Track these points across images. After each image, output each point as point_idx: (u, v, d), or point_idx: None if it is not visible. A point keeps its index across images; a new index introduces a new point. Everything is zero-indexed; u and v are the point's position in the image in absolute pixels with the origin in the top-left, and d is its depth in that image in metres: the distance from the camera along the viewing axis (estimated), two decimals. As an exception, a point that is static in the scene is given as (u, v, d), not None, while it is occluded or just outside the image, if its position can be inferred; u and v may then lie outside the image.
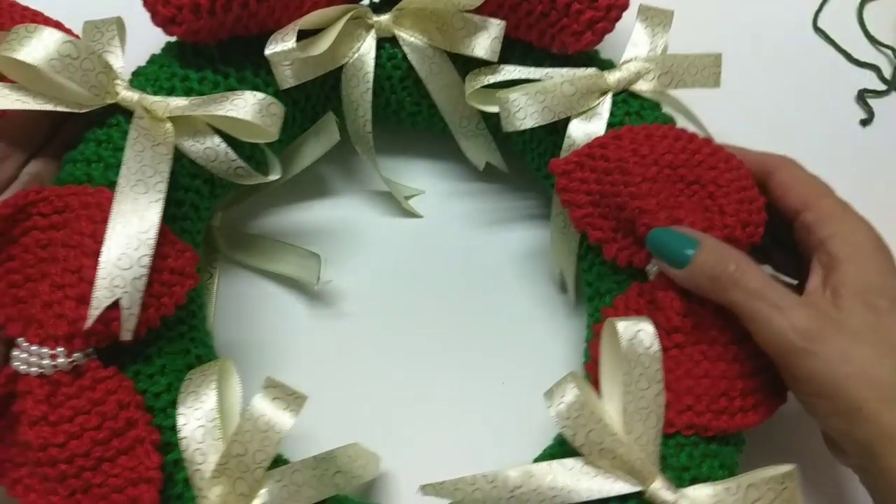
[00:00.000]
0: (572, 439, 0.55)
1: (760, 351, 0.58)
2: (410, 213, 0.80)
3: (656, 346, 0.55)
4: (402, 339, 0.75)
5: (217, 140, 0.64)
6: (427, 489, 0.58)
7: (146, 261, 0.56)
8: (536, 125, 0.66)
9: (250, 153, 0.69)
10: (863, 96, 0.89)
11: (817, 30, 0.94)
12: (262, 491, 0.55)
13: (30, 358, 0.54)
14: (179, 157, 0.63)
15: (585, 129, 0.67)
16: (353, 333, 0.75)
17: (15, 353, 0.54)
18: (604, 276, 0.68)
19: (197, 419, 0.57)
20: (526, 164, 0.79)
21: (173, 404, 0.58)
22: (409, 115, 0.78)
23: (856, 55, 0.92)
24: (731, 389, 0.58)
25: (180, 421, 0.57)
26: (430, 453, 0.68)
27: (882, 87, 0.91)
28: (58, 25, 0.75)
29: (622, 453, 0.54)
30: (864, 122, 0.88)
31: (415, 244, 0.80)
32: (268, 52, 0.64)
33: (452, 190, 0.83)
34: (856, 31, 0.94)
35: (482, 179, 0.83)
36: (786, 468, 0.56)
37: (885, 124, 0.88)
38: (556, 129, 0.69)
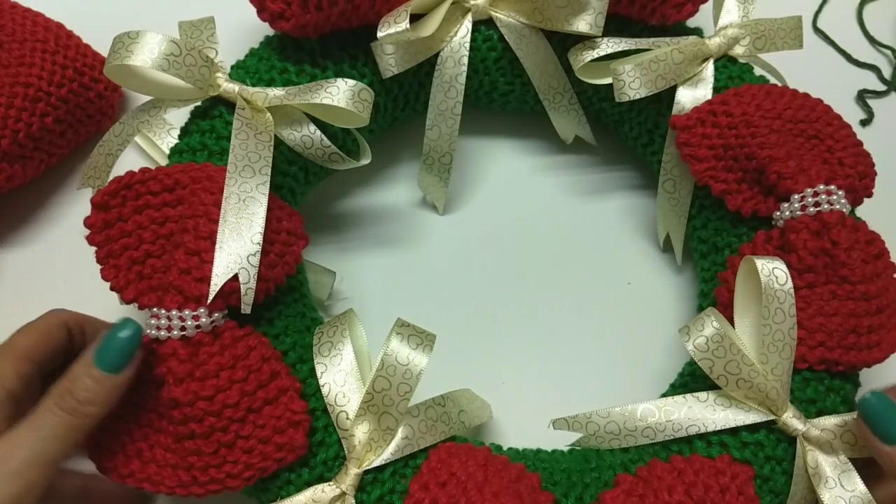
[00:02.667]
0: (710, 371, 0.57)
1: (882, 290, 0.61)
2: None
3: (790, 283, 0.58)
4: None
5: (313, 128, 0.67)
6: (559, 423, 0.61)
7: (258, 238, 0.59)
8: (649, 94, 0.69)
9: (342, 142, 0.72)
10: (862, 96, 0.91)
11: (817, 30, 0.96)
12: (402, 427, 0.57)
13: (170, 323, 0.56)
14: (278, 145, 0.66)
15: (693, 95, 0.71)
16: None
17: (151, 321, 0.57)
18: (721, 232, 0.70)
19: (336, 365, 0.60)
20: (622, 135, 0.82)
21: (300, 361, 0.61)
22: (500, 96, 0.81)
23: (855, 55, 0.94)
24: (858, 326, 0.60)
25: (319, 369, 0.60)
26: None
27: (882, 87, 0.92)
28: (59, 27, 0.80)
29: (758, 383, 0.57)
30: (864, 123, 0.89)
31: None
32: (381, 34, 0.67)
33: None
34: (855, 31, 0.96)
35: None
36: None
37: (884, 124, 0.90)
38: (659, 98, 0.73)
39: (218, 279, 0.57)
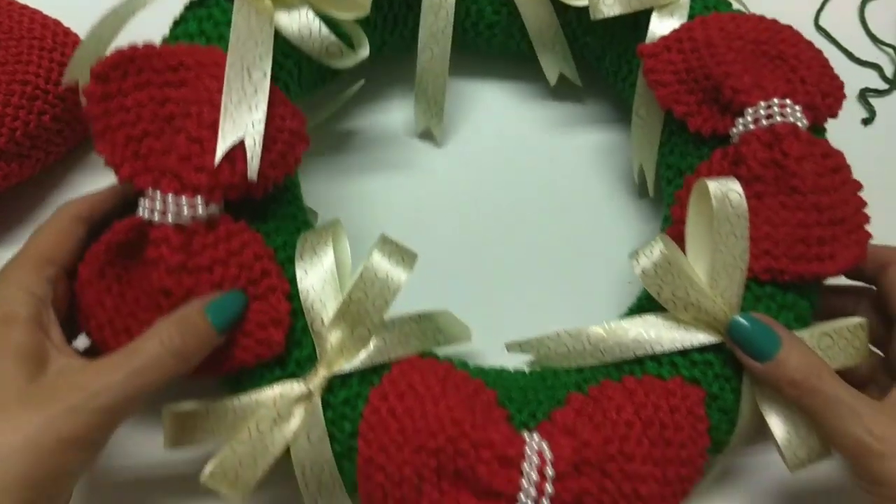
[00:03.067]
0: (658, 295, 0.59)
1: (839, 203, 0.61)
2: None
3: (744, 206, 0.59)
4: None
5: (312, 16, 0.67)
6: (512, 346, 0.64)
7: (263, 105, 0.59)
8: (623, 13, 0.72)
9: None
10: (864, 95, 0.91)
11: (819, 28, 0.96)
12: (375, 338, 0.59)
13: (165, 206, 0.56)
14: (275, 35, 0.65)
15: (668, 24, 0.72)
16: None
17: (144, 202, 0.57)
18: (686, 155, 0.71)
19: (316, 272, 0.60)
20: (604, 70, 0.84)
21: (289, 261, 0.61)
22: (487, 28, 0.83)
23: (857, 54, 0.94)
24: (808, 237, 0.60)
25: (299, 274, 0.60)
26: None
27: (884, 86, 0.92)
28: (56, 24, 0.79)
29: (707, 306, 0.58)
30: (866, 122, 0.90)
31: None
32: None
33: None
34: (857, 29, 0.96)
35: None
36: (856, 320, 0.60)
37: (886, 123, 0.90)
38: (637, 27, 0.74)
39: (225, 142, 0.57)
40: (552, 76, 0.84)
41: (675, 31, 0.70)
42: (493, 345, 0.69)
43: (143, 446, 0.68)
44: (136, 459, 0.68)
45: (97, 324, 0.59)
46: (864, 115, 0.91)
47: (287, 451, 0.57)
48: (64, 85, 0.72)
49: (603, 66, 0.83)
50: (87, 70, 0.62)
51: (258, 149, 0.58)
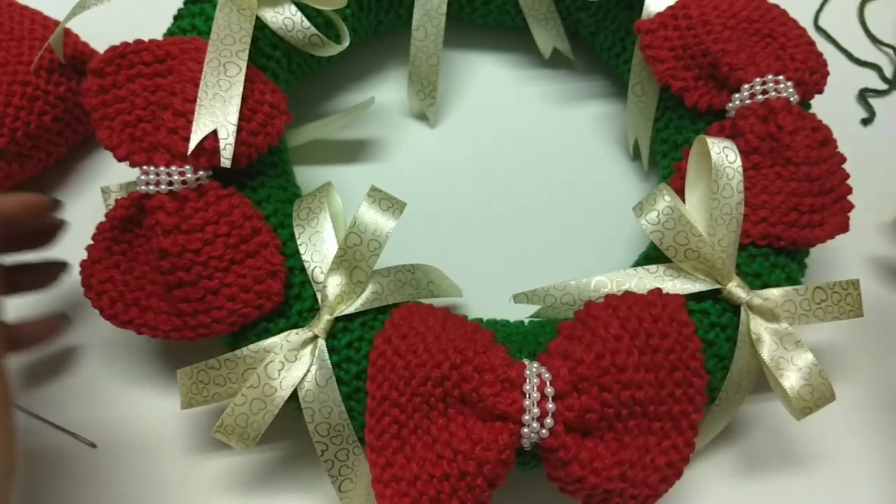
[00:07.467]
0: (660, 242, 0.61)
1: (827, 174, 0.63)
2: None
3: (739, 161, 0.61)
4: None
5: (294, 9, 0.71)
6: (519, 297, 0.64)
7: (237, 99, 0.62)
8: None
9: (325, 33, 0.75)
10: (864, 95, 0.91)
11: (818, 29, 0.96)
12: (372, 283, 0.61)
13: (158, 178, 0.60)
14: (262, 28, 0.70)
15: (663, 1, 0.74)
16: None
17: (141, 178, 0.60)
18: (681, 129, 0.73)
19: (313, 227, 0.64)
20: (597, 46, 0.86)
21: (281, 226, 0.65)
22: (482, 4, 0.85)
23: (857, 54, 0.94)
24: (800, 205, 0.63)
25: (297, 231, 0.64)
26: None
27: (883, 86, 0.92)
28: (56, 24, 0.80)
29: (705, 253, 0.60)
30: (866, 122, 0.90)
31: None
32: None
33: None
34: (857, 30, 0.96)
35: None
36: (851, 279, 0.62)
37: (886, 123, 0.90)
38: (631, 5, 0.77)
39: (197, 134, 0.60)
40: (546, 50, 0.86)
41: (671, 8, 0.73)
42: (495, 310, 0.69)
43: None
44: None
45: (108, 299, 0.63)
46: (864, 115, 0.91)
47: (296, 405, 0.59)
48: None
49: (597, 42, 0.85)
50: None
51: (231, 139, 0.62)
